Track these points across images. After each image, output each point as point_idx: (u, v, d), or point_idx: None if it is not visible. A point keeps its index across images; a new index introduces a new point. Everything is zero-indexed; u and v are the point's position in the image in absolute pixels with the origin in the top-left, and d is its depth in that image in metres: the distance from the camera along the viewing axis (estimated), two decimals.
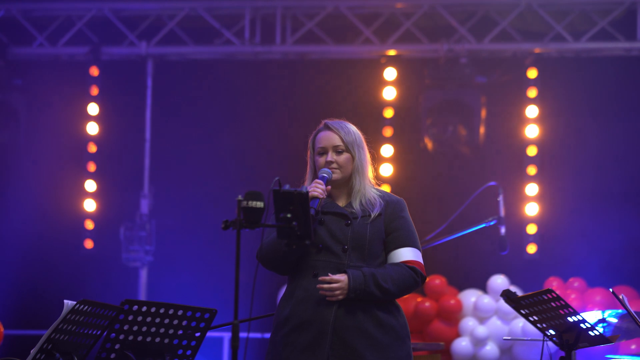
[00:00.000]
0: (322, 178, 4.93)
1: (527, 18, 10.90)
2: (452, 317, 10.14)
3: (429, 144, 10.87)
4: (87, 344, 4.74)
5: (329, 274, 4.84)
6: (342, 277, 4.83)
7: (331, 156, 5.00)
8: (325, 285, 4.82)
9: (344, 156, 5.02)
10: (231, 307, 4.33)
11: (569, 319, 5.35)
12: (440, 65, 10.84)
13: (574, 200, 10.78)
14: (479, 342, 9.96)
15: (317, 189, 4.87)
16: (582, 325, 5.36)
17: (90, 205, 11.23)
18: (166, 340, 4.84)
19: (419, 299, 10.19)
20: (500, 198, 7.93)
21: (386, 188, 5.42)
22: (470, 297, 10.21)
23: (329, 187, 4.95)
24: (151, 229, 10.99)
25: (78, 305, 4.56)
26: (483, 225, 7.75)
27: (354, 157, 5.03)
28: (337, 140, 5.03)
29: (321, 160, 5.02)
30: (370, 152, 5.12)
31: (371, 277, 4.84)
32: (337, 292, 4.83)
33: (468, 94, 10.84)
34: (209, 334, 5.08)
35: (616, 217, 10.57)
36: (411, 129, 11.02)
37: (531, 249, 10.79)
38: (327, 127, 5.07)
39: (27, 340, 9.78)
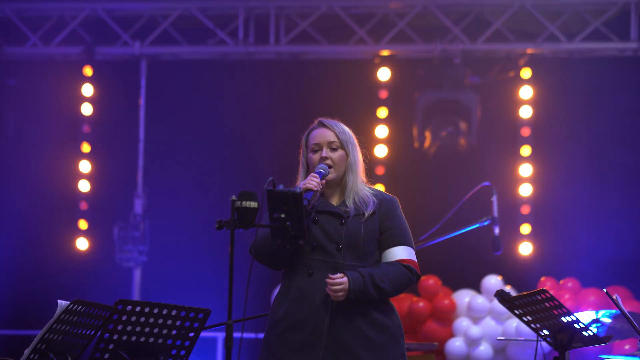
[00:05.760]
0: (319, 173, 4.93)
1: (521, 18, 10.90)
2: (446, 317, 10.14)
3: (422, 144, 10.87)
4: (80, 344, 4.73)
5: (330, 275, 4.81)
6: (344, 279, 4.82)
7: (326, 152, 5.00)
8: (330, 286, 4.80)
9: (339, 153, 5.02)
10: (225, 307, 4.32)
11: (562, 319, 5.36)
12: (434, 66, 10.84)
13: (568, 201, 10.79)
14: (472, 342, 9.96)
15: (312, 181, 4.87)
16: (575, 325, 5.37)
17: (83, 205, 11.21)
18: (160, 341, 4.83)
19: (413, 299, 10.19)
20: (494, 198, 7.93)
21: (380, 188, 5.42)
22: (464, 297, 10.21)
23: (324, 181, 4.95)
24: (145, 229, 10.97)
25: (72, 305, 4.56)
26: (477, 225, 7.76)
27: (348, 155, 5.03)
28: (331, 137, 5.03)
29: (315, 157, 5.01)
30: (362, 152, 5.12)
31: (369, 278, 4.83)
32: (340, 293, 4.82)
33: (462, 94, 10.84)
34: (203, 334, 5.08)
35: (610, 217, 10.58)
36: (405, 129, 11.02)
37: (525, 249, 10.80)
38: (322, 124, 5.07)
39: (21, 340, 9.80)
